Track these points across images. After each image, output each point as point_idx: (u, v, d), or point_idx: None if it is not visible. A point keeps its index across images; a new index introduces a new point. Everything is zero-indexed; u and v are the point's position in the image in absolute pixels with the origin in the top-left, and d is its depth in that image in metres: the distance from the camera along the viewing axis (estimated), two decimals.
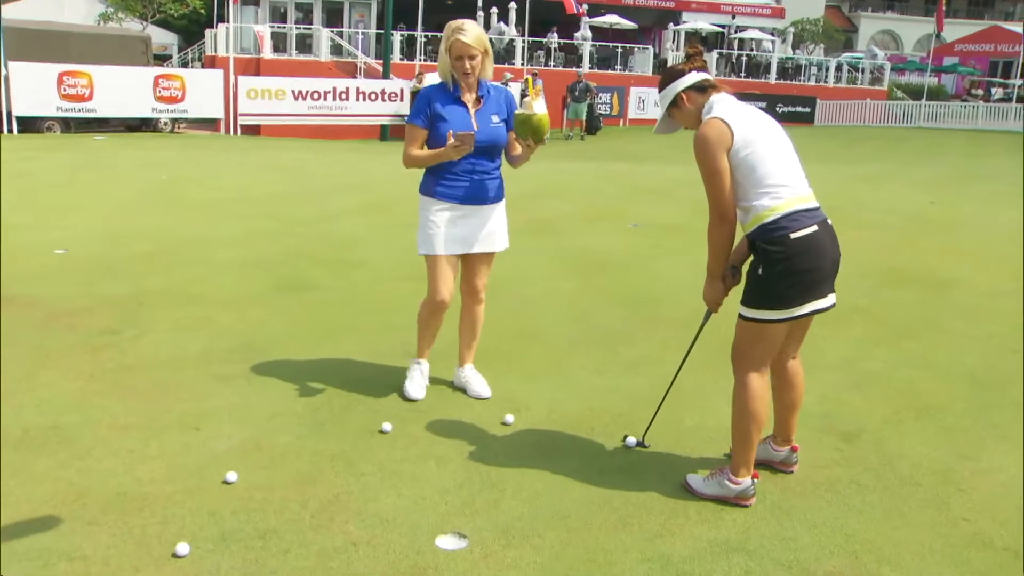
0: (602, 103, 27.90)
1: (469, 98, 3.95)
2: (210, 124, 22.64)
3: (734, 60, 33.80)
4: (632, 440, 3.79)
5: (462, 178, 3.98)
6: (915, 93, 37.83)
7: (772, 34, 37.04)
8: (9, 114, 18.65)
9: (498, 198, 4.14)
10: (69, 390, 4.16)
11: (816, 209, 3.18)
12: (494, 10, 31.44)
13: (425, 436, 3.82)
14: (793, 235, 3.06)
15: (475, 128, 3.89)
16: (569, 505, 3.26)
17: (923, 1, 54.25)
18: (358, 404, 4.14)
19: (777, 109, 31.61)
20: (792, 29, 38.46)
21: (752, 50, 35.44)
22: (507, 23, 30.75)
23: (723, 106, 3.19)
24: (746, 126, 3.12)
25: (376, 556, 2.89)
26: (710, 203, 3.17)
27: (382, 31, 25.51)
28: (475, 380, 4.33)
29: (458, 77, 3.89)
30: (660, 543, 3.03)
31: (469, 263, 4.21)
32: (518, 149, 4.07)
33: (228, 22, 25.60)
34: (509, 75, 24.11)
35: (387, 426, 3.86)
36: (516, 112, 3.87)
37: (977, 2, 55.96)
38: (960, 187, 13.28)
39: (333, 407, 4.09)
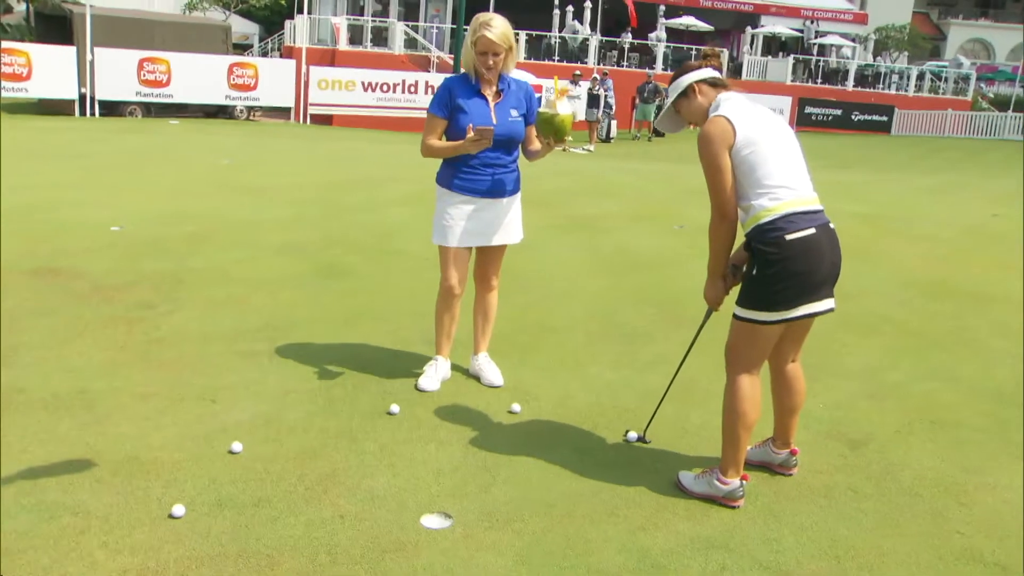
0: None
1: (489, 91, 3.99)
2: (285, 112, 23.18)
3: (812, 66, 33.16)
4: (633, 435, 3.83)
5: (480, 171, 4.03)
6: (1003, 104, 36.57)
7: (853, 40, 36.24)
8: (92, 98, 19.37)
9: (515, 191, 4.20)
10: (99, 359, 4.37)
11: (817, 212, 3.17)
12: (569, 8, 31.45)
13: (431, 420, 3.91)
14: (788, 237, 3.06)
15: (494, 122, 3.94)
16: (557, 494, 3.32)
17: (1020, 7, 52.29)
18: (371, 386, 4.25)
19: (853, 117, 30.98)
20: (875, 35, 37.59)
21: (831, 56, 34.72)
22: (581, 21, 30.73)
23: (730, 104, 3.20)
24: (750, 125, 3.13)
25: (361, 529, 2.99)
26: (712, 201, 3.18)
27: (456, 26, 25.75)
28: (488, 368, 4.40)
29: (480, 71, 3.94)
30: (642, 536, 3.06)
31: (484, 254, 4.29)
32: (537, 144, 4.11)
33: (306, 13, 26.15)
34: (579, 72, 24.09)
35: (395, 408, 3.96)
36: (539, 110, 3.92)
37: None
38: None
39: (346, 387, 4.21)
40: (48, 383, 4.04)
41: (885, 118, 31.21)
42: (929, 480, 3.60)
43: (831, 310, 3.27)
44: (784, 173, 3.14)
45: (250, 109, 22.31)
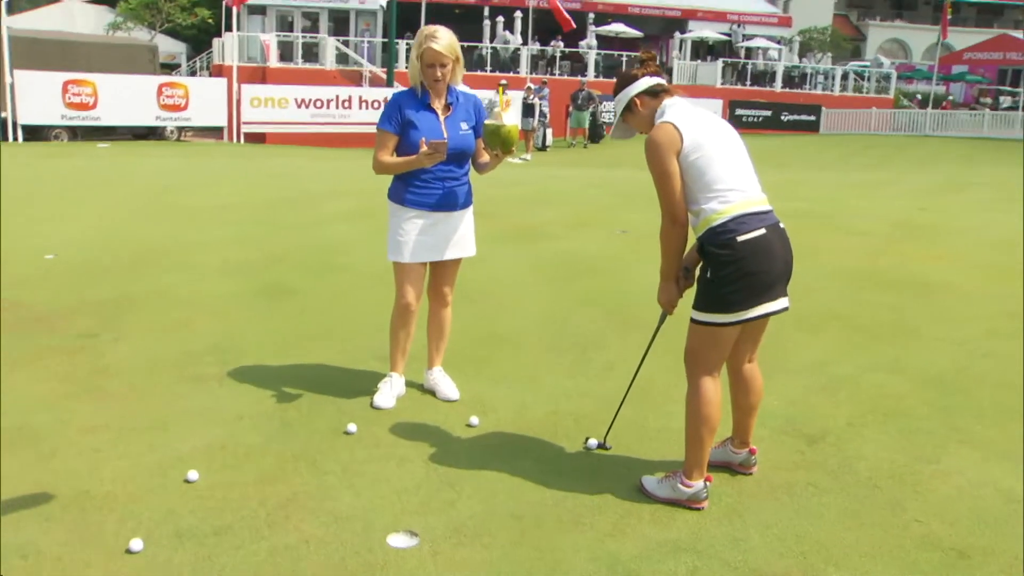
0: (605, 111, 27.91)
1: (438, 104, 3.98)
2: (217, 132, 22.82)
3: (739, 68, 33.82)
4: (593, 442, 3.83)
5: (433, 185, 4.01)
6: (923, 102, 37.76)
7: (779, 43, 37.06)
8: (15, 123, 18.83)
9: (467, 204, 4.19)
10: (41, 391, 4.23)
11: (767, 212, 3.21)
12: (500, 18, 31.60)
13: (389, 437, 3.87)
14: (740, 238, 3.09)
15: (445, 135, 3.91)
16: (524, 505, 3.30)
17: (932, 9, 54.12)
18: (326, 406, 4.18)
19: (782, 117, 31.67)
20: (799, 38, 38.51)
21: (758, 58, 35.46)
22: (512, 31, 30.88)
23: (675, 110, 3.23)
24: (696, 130, 3.17)
25: (326, 553, 2.94)
26: (662, 206, 3.21)
27: (387, 40, 25.66)
28: (444, 382, 4.37)
29: (428, 84, 3.91)
30: (610, 543, 3.06)
31: (438, 269, 4.26)
32: (486, 156, 4.12)
33: (235, 31, 25.81)
34: (504, 82, 24.15)
35: (352, 427, 3.91)
36: (486, 123, 3.92)
37: (986, 10, 55.82)
38: (952, 194, 13.27)
39: (301, 409, 4.14)
40: None
41: (813, 117, 31.98)
42: (885, 471, 3.67)
43: (786, 309, 3.32)
44: (732, 176, 3.17)
45: (181, 129, 21.91)
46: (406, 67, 27.16)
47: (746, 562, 2.97)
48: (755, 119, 30.94)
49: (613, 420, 3.84)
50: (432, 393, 4.37)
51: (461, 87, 4.07)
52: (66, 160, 15.30)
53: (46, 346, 4.86)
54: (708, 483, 3.33)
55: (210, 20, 31.53)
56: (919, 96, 39.86)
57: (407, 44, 28.12)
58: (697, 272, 3.33)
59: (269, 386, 4.40)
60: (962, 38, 46.23)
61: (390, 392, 4.26)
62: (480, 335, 5.34)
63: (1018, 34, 46.23)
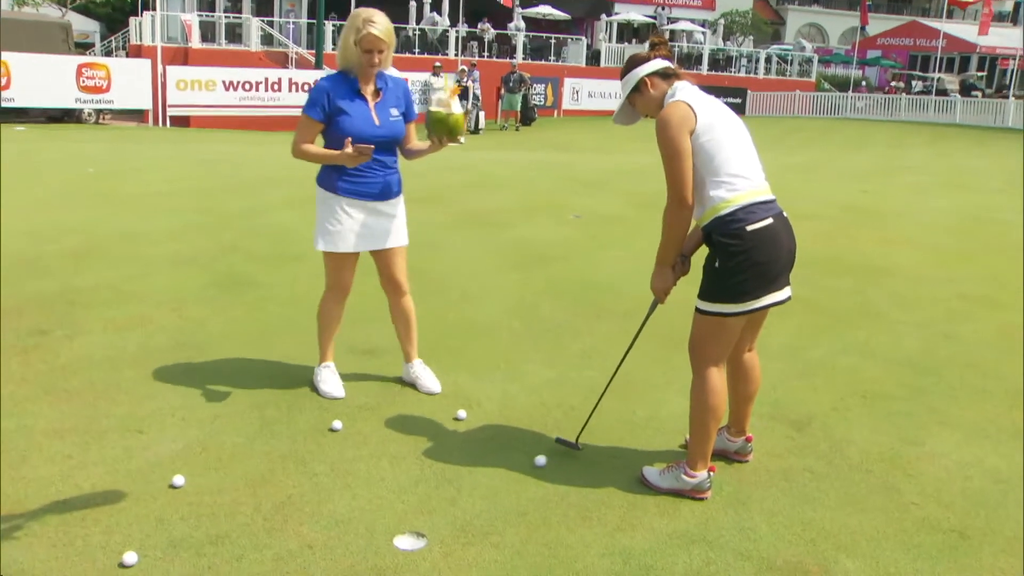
0: (536, 94, 27.91)
1: (368, 90, 3.83)
2: (137, 115, 22.01)
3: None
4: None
5: (367, 174, 3.88)
6: (841, 85, 38.73)
7: (703, 26, 37.52)
8: None
9: (399, 192, 4.06)
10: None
11: (772, 201, 3.18)
12: (427, 0, 31.19)
13: (376, 434, 3.75)
14: (750, 227, 3.05)
15: (376, 123, 3.80)
16: (527, 501, 3.23)
17: None
18: (305, 402, 4.04)
19: None
20: (722, 21, 39.05)
21: (684, 41, 35.83)
22: (440, 13, 30.53)
23: (686, 92, 3.17)
24: (709, 112, 3.11)
25: (334, 558, 2.82)
26: (670, 186, 3.09)
27: (314, 20, 25.10)
28: (424, 375, 4.27)
29: (364, 70, 3.76)
30: (620, 536, 3.02)
31: (384, 259, 4.11)
32: (416, 143, 4.03)
33: (154, 10, 24.89)
34: (439, 64, 23.94)
35: (337, 424, 3.78)
36: (432, 111, 3.75)
37: None
38: (888, 177, 13.63)
39: (280, 406, 3.98)
40: None
41: (739, 100, 32.45)
42: (874, 455, 3.71)
43: (789, 298, 3.30)
44: (740, 162, 3.12)
45: (100, 112, 21.07)
46: (333, 49, 26.85)
47: (758, 551, 2.96)
48: None
49: (588, 419, 3.71)
50: (412, 386, 4.26)
51: (390, 71, 3.93)
52: None
53: None
54: (712, 473, 3.30)
55: None
56: (866, 82, 40.68)
57: (333, 25, 27.58)
58: (697, 262, 3.28)
59: (241, 383, 4.23)
60: (875, 24, 47.50)
61: (333, 378, 4.17)
62: (451, 325, 5.24)
63: (927, 21, 47.77)
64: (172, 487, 3.21)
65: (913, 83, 44.50)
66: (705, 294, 3.18)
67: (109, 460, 3.41)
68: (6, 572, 2.68)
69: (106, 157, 13.11)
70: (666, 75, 3.23)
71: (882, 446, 3.79)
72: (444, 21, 30.20)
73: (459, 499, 3.23)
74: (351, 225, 3.91)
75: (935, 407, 4.24)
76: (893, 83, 44.72)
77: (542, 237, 7.76)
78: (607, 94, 29.82)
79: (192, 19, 26.08)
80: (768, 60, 35.78)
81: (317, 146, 3.83)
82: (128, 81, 20.68)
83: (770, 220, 3.10)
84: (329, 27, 26.90)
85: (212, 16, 27.80)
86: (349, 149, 3.60)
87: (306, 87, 22.61)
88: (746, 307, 3.14)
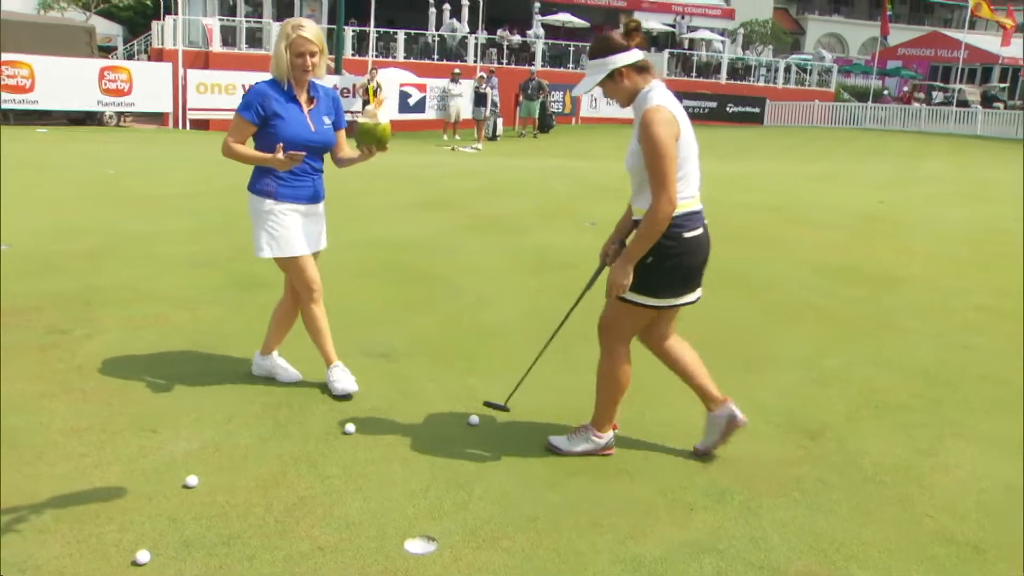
0: (555, 101, 27.94)
1: (303, 97, 3.93)
2: (157, 118, 22.17)
3: (684, 60, 34.09)
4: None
5: (303, 178, 3.99)
6: (861, 95, 38.54)
7: (722, 35, 37.45)
8: None
9: (324, 195, 4.18)
10: (16, 392, 4.00)
11: (701, 211, 3.38)
12: (447, 6, 31.28)
13: (388, 437, 3.76)
14: (687, 234, 3.28)
15: (312, 129, 3.92)
16: (538, 507, 3.23)
17: (868, 5, 55.30)
18: (318, 404, 4.06)
19: (727, 109, 32.04)
20: (742, 30, 38.95)
21: (703, 50, 35.78)
22: (459, 20, 30.61)
23: (665, 97, 3.26)
24: (685, 124, 3.28)
25: (344, 561, 2.83)
26: (661, 185, 3.17)
27: (334, 26, 25.22)
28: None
29: (296, 75, 3.85)
30: (631, 544, 3.01)
31: None
32: (346, 151, 4.13)
33: (176, 14, 25.10)
34: (458, 71, 24.00)
35: (350, 427, 3.79)
36: (361, 121, 3.88)
37: (918, 8, 57.22)
38: (905, 187, 13.55)
39: (292, 408, 4.00)
40: None
41: (757, 109, 32.43)
42: (888, 466, 3.68)
43: (699, 299, 3.51)
44: (696, 174, 3.34)
45: (120, 115, 21.24)
46: (352, 54, 27.00)
47: (769, 561, 2.95)
48: (701, 110, 31.21)
49: (519, 383, 3.96)
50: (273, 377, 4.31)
51: (322, 81, 4.06)
52: (8, 145, 14.69)
53: (13, 343, 4.62)
54: (615, 430, 3.68)
55: (148, 2, 30.64)
56: (888, 93, 40.38)
57: (353, 31, 27.72)
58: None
59: (255, 384, 4.25)
60: (896, 34, 47.24)
61: (347, 376, 4.21)
62: (466, 328, 5.25)
63: (948, 32, 47.48)
64: (186, 487, 3.23)
65: (934, 94, 44.22)
66: (632, 285, 3.34)
67: (124, 459, 3.44)
68: (23, 568, 2.70)
69: (126, 159, 13.22)
70: (641, 69, 3.29)
71: (896, 457, 3.77)
72: (463, 28, 30.27)
73: (470, 503, 3.23)
74: (294, 228, 4.00)
75: (950, 419, 4.21)
76: (910, 92, 44.43)
77: (558, 243, 7.76)
78: None
79: (213, 23, 26.25)
80: (787, 70, 35.67)
81: (246, 148, 3.89)
82: (149, 84, 20.86)
83: (701, 230, 3.36)
84: (348, 32, 27.04)
85: (233, 20, 27.98)
86: (280, 155, 3.66)
87: None
88: (664, 303, 3.39)
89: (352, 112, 22.43)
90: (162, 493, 3.19)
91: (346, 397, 4.13)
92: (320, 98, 4.00)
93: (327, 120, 4.00)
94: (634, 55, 3.27)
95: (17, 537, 2.87)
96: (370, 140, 3.83)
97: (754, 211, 9.65)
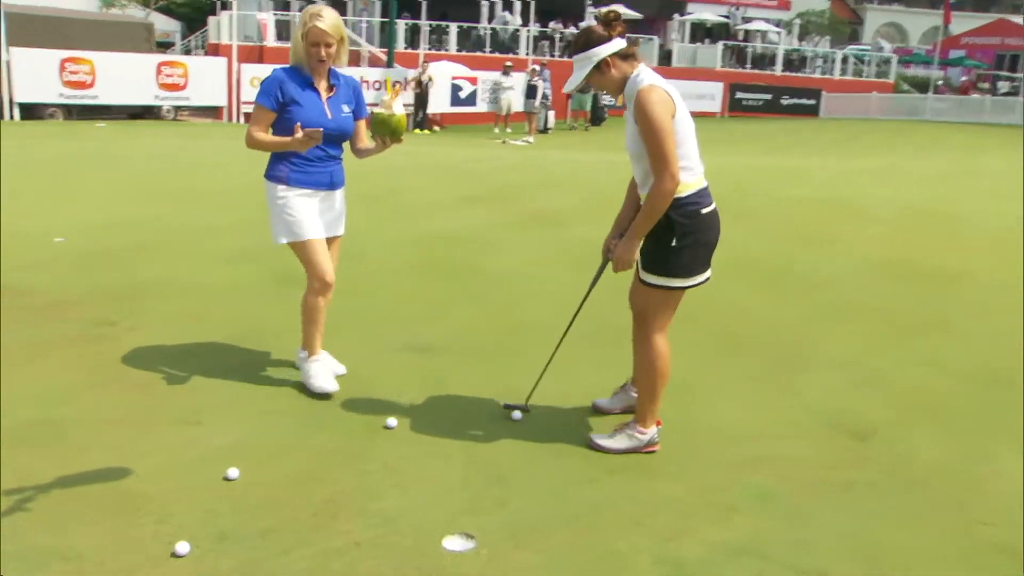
0: (606, 94, 27.70)
1: (322, 85, 3.93)
2: (212, 112, 22.52)
3: (739, 51, 33.62)
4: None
5: (316, 165, 3.98)
6: (921, 86, 37.64)
7: (778, 25, 36.85)
8: (11, 100, 18.53)
9: (343, 183, 4.18)
10: (63, 382, 4.08)
11: (708, 187, 3.45)
12: None
13: (429, 432, 3.74)
14: (704, 211, 3.35)
15: (328, 116, 3.90)
16: (577, 505, 3.19)
17: None
18: (359, 398, 4.06)
19: (782, 101, 31.53)
20: (798, 20, 38.30)
21: (758, 42, 35.25)
22: (512, 12, 30.57)
23: (656, 78, 3.30)
24: (679, 102, 3.30)
25: (380, 557, 2.82)
26: (662, 162, 3.21)
27: (387, 19, 25.35)
28: (321, 374, 4.15)
29: (312, 64, 3.85)
30: (672, 546, 2.95)
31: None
32: (365, 141, 4.14)
33: (230, 9, 25.45)
34: (509, 64, 23.95)
35: (391, 422, 3.78)
36: (375, 112, 3.87)
37: None
38: (964, 180, 13.16)
39: (333, 401, 4.01)
40: (11, 412, 3.75)
41: (813, 101, 31.86)
42: (940, 470, 3.56)
43: (710, 278, 3.55)
44: (696, 151, 3.37)
45: (177, 109, 21.62)
46: (405, 48, 27.12)
47: (813, 566, 2.86)
48: (755, 103, 30.80)
49: (537, 381, 3.95)
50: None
51: (343, 70, 4.04)
52: (68, 140, 15.05)
53: (62, 334, 4.71)
54: (659, 426, 3.61)
55: None
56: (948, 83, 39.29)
57: (407, 24, 27.84)
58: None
59: (297, 377, 4.27)
60: (960, 22, 46.01)
61: (327, 373, 4.14)
62: (509, 323, 5.23)
63: (1016, 19, 46.09)
64: (226, 479, 3.25)
65: (999, 84, 42.99)
66: (657, 269, 3.41)
67: (166, 450, 3.47)
68: (67, 557, 2.74)
69: (181, 153, 13.44)
70: (626, 56, 3.34)
71: (948, 461, 3.64)
72: (516, 20, 30.22)
73: (508, 501, 3.20)
74: (308, 213, 3.98)
75: (1006, 424, 4.05)
76: (971, 82, 43.20)
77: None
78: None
79: (268, 18, 26.58)
80: (844, 60, 34.98)
81: (267, 135, 3.89)
82: (204, 79, 21.19)
83: (714, 206, 3.42)
84: (401, 26, 27.17)
85: (287, 15, 28.30)
86: (299, 134, 3.64)
87: (377, 85, 22.87)
88: (692, 281, 3.43)
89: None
90: (202, 485, 3.21)
91: (325, 396, 4.04)
92: (340, 86, 3.98)
93: (346, 108, 3.99)
94: (617, 43, 3.31)
95: (62, 526, 2.92)
96: (384, 131, 3.83)
97: (806, 205, 9.45)
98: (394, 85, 4.08)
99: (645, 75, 3.29)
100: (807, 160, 16.27)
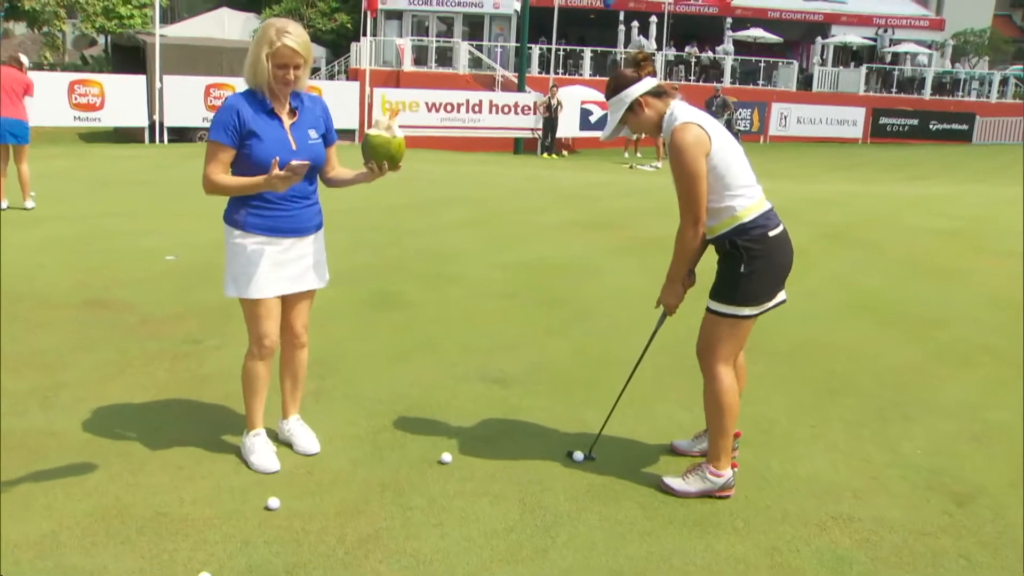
0: (742, 119, 27.02)
1: (282, 111, 3.35)
2: (347, 135, 23.23)
3: (886, 75, 32.18)
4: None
5: (280, 206, 3.37)
6: None
7: (929, 47, 35.07)
8: (161, 124, 19.67)
9: (319, 226, 3.61)
10: (140, 399, 4.16)
11: (773, 208, 3.34)
12: (635, 23, 31.14)
13: (484, 470, 3.59)
14: (771, 233, 3.25)
15: (293, 147, 3.32)
16: (624, 559, 2.97)
17: None
18: (422, 430, 3.95)
19: (930, 126, 29.94)
20: (952, 41, 36.33)
21: (906, 64, 33.65)
22: (647, 37, 30.36)
23: (689, 112, 3.25)
24: (717, 133, 3.22)
25: None
26: (686, 208, 3.23)
27: (520, 44, 25.61)
28: (301, 433, 3.75)
29: (276, 87, 3.28)
30: None
31: (288, 303, 3.61)
32: (337, 169, 3.58)
33: (371, 35, 26.31)
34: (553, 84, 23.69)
35: (447, 457, 3.65)
36: (373, 134, 3.28)
37: None
38: None
39: (395, 432, 3.92)
40: (84, 427, 3.84)
41: (965, 126, 30.07)
42: None
43: (785, 300, 3.42)
44: (748, 175, 3.28)
45: None
46: (539, 72, 27.30)
47: None
48: (900, 128, 29.32)
49: (603, 427, 3.79)
50: (289, 445, 3.73)
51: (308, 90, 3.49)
52: (193, 162, 15.78)
53: (152, 351, 4.83)
54: (735, 469, 3.40)
55: (349, 25, 32.33)
56: None
57: (540, 49, 28.04)
58: (701, 268, 3.45)
59: (365, 405, 4.21)
60: None
61: (267, 447, 3.59)
62: (590, 356, 5.02)
63: None
64: (267, 509, 3.19)
65: None
66: (723, 297, 3.31)
67: (217, 474, 3.46)
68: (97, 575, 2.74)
69: None
70: (659, 93, 3.30)
71: None
72: (651, 45, 29.98)
73: (551, 550, 3.01)
74: (266, 265, 3.40)
75: None
76: None
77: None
78: (817, 120, 28.47)
79: (406, 43, 27.34)
80: (1003, 82, 32.88)
81: (232, 177, 3.31)
82: (339, 102, 21.85)
83: (782, 227, 3.30)
84: (535, 51, 27.38)
85: (424, 40, 29.04)
86: (276, 171, 3.09)
87: (506, 109, 23.05)
88: (761, 308, 3.30)
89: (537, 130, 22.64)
90: (242, 513, 3.16)
91: (264, 473, 3.51)
92: (303, 109, 3.41)
93: (313, 134, 3.41)
94: (648, 82, 3.30)
95: (98, 546, 2.92)
96: (382, 157, 3.28)
97: (937, 238, 8.82)
98: (388, 105, 3.72)
99: (679, 112, 3.25)
100: (950, 188, 15.29)
